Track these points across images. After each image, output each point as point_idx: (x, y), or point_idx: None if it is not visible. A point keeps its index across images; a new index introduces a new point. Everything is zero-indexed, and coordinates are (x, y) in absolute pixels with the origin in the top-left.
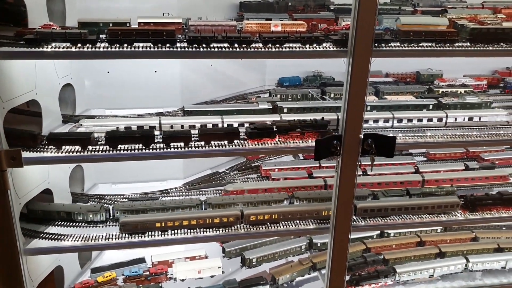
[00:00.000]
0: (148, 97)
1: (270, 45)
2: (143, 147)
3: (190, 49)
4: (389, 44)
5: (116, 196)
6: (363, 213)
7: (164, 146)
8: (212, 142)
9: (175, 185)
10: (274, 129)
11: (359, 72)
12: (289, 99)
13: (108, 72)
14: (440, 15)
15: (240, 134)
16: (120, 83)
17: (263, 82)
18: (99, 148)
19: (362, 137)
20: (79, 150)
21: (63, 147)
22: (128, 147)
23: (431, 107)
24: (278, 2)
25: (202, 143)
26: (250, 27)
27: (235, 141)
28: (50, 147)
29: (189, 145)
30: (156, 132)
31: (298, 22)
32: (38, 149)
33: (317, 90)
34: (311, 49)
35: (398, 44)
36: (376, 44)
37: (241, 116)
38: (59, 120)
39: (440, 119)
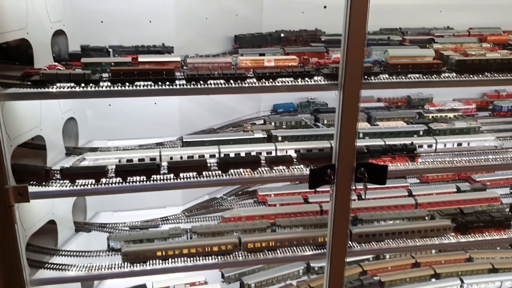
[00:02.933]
0: (148, 127)
1: (264, 80)
2: (148, 179)
3: (188, 87)
4: (378, 77)
5: (118, 225)
6: (358, 238)
7: (173, 177)
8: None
9: (175, 211)
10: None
11: (350, 104)
12: (283, 127)
13: (109, 105)
14: (427, 45)
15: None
16: (121, 114)
17: (258, 109)
18: (110, 180)
19: (355, 165)
20: (92, 183)
21: (77, 181)
22: (136, 179)
23: (421, 133)
24: (271, 34)
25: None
26: (245, 63)
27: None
28: (64, 181)
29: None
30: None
31: (290, 57)
32: (50, 183)
33: (310, 117)
34: (303, 83)
35: (387, 76)
36: (366, 77)
37: (237, 146)
38: (63, 153)
39: (430, 145)
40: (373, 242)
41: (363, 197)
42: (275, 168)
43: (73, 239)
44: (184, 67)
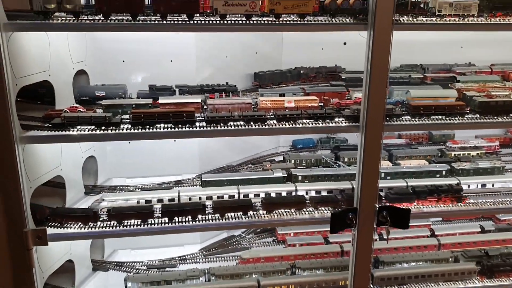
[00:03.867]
0: (167, 164)
1: (284, 122)
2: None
3: (208, 129)
4: (400, 118)
5: (135, 264)
6: (380, 281)
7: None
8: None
9: (192, 250)
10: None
11: (372, 146)
12: (303, 164)
13: (129, 142)
14: (450, 84)
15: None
16: (140, 151)
17: (277, 144)
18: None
19: (377, 209)
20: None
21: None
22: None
23: (444, 172)
24: (291, 71)
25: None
26: (265, 104)
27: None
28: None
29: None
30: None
31: (311, 97)
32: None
33: (330, 154)
34: (324, 125)
35: (409, 118)
36: (388, 119)
37: (256, 186)
38: (82, 192)
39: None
40: (395, 286)
41: (386, 241)
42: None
43: (90, 278)
44: (205, 107)
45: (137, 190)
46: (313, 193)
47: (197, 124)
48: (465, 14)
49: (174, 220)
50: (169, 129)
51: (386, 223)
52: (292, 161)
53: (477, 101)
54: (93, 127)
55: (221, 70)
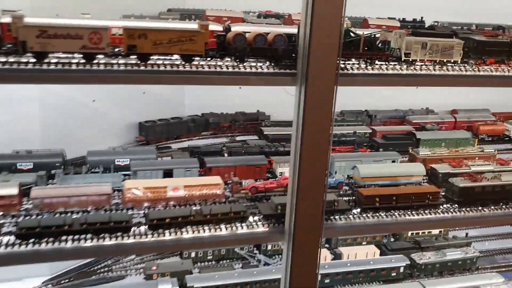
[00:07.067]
0: None
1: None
2: None
3: None
4: (347, 216)
5: None
6: None
7: None
8: None
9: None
10: None
11: (305, 263)
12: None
13: None
14: (410, 150)
15: None
16: None
17: None
18: None
19: None
20: None
21: None
22: None
23: (402, 269)
24: (195, 120)
25: None
26: (133, 194)
27: None
28: None
29: None
30: None
31: (211, 179)
32: None
33: None
34: (230, 231)
35: (359, 213)
36: (328, 217)
37: None
38: None
39: None
40: None
41: None
42: None
43: None
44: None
45: None
46: None
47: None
48: (444, 60)
49: None
50: None
51: None
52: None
53: (458, 186)
54: None
55: (87, 120)
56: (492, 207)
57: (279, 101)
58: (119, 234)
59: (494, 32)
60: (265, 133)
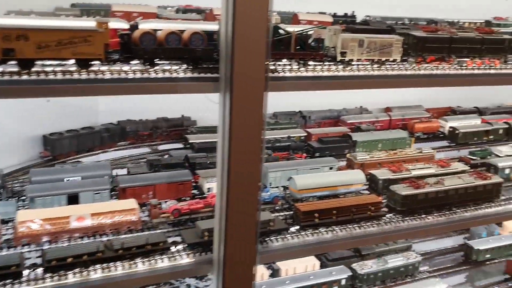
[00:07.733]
0: None
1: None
2: None
3: None
4: (279, 238)
5: None
6: None
7: None
8: None
9: None
10: None
11: None
12: None
13: None
14: (347, 154)
15: None
16: None
17: None
18: None
19: None
20: None
21: None
22: None
23: (343, 282)
24: (109, 129)
25: None
26: (27, 228)
27: None
28: None
29: None
30: None
31: (124, 204)
32: None
33: None
34: (147, 267)
35: (297, 231)
36: (263, 240)
37: None
38: None
39: None
40: None
41: None
42: None
43: None
44: None
45: None
46: None
47: None
48: (383, 59)
49: None
50: None
51: None
52: None
53: (400, 195)
54: None
55: None
56: (436, 214)
57: (206, 105)
58: (7, 281)
59: (434, 27)
60: (190, 141)
